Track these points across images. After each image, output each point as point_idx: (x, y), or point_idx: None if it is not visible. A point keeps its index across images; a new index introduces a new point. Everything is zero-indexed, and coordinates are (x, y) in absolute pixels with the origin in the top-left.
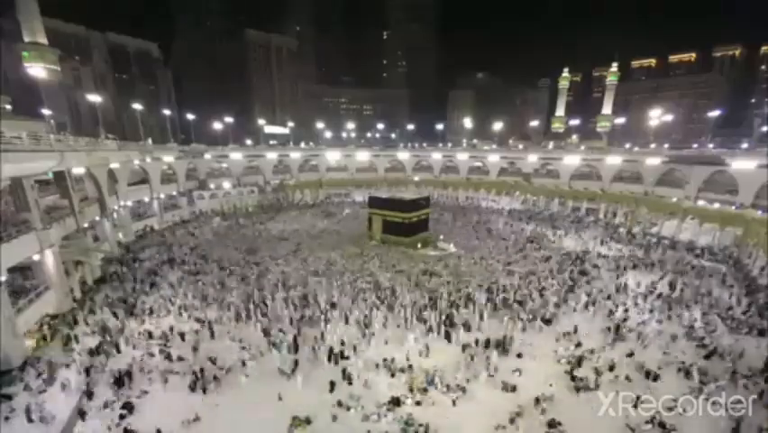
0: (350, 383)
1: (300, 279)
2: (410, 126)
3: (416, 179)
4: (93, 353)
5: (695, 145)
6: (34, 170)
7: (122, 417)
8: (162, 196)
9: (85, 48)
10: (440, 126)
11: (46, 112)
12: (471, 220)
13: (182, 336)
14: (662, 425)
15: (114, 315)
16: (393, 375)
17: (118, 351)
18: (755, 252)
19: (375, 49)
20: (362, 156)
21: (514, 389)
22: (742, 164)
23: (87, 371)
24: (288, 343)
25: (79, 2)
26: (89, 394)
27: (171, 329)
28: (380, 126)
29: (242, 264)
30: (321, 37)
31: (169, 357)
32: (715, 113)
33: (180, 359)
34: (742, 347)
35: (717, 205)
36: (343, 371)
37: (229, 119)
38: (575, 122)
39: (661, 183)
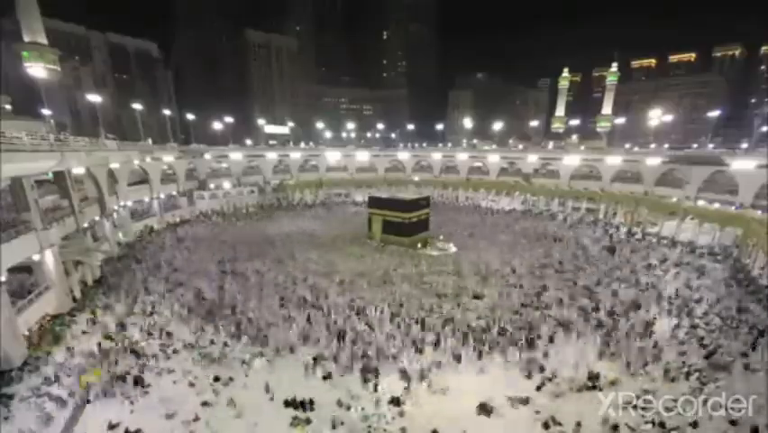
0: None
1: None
2: (410, 126)
3: (416, 179)
4: (92, 353)
5: (695, 145)
6: (34, 170)
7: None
8: (162, 196)
9: (85, 48)
10: (440, 126)
11: (46, 112)
12: (472, 220)
13: (182, 335)
14: (662, 425)
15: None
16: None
17: (118, 352)
18: (755, 252)
19: (375, 49)
20: (362, 156)
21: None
22: (742, 164)
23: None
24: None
25: (79, 2)
26: (89, 394)
27: (169, 334)
28: (380, 126)
29: (238, 267)
30: (321, 37)
31: (168, 356)
32: (715, 113)
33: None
34: (742, 347)
35: (717, 205)
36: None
37: (229, 119)
38: (575, 122)
39: (661, 183)
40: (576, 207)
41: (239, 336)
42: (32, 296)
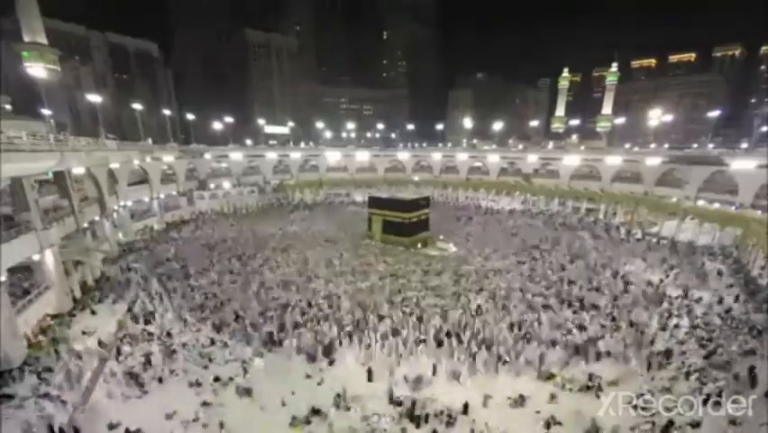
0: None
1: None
2: (410, 126)
3: (416, 179)
4: (93, 353)
5: (695, 145)
6: (34, 170)
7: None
8: (162, 196)
9: (85, 48)
10: (440, 126)
11: (46, 112)
12: (472, 220)
13: (182, 335)
14: (669, 424)
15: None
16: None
17: (118, 352)
18: (755, 252)
19: (375, 49)
20: (362, 156)
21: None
22: (742, 164)
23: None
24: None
25: (79, 2)
26: (90, 395)
27: (169, 334)
28: (380, 126)
29: (236, 268)
30: (321, 37)
31: (168, 357)
32: (715, 113)
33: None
34: (741, 347)
35: (717, 205)
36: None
37: (229, 119)
38: (575, 122)
39: (661, 183)
40: (576, 206)
41: (239, 335)
42: (31, 296)
